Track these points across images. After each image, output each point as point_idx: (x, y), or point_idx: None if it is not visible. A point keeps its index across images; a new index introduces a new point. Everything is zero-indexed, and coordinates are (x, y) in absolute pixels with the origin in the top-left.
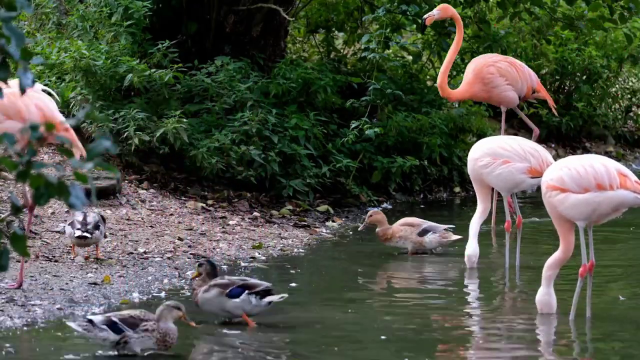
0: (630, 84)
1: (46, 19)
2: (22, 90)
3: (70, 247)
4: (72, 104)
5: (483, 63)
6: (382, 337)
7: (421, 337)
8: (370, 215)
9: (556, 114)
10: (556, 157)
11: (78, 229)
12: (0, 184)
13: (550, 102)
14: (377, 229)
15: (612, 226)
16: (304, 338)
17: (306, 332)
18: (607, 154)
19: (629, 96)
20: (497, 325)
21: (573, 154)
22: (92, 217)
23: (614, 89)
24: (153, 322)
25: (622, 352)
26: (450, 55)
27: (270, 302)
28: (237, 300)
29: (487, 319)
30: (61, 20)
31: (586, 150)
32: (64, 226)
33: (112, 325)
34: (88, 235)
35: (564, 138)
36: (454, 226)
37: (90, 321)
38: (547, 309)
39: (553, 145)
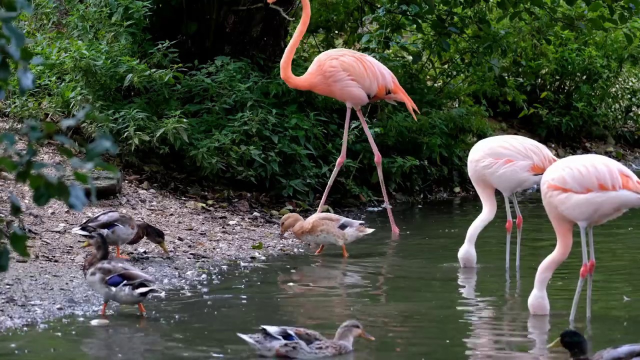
0: (630, 84)
1: (46, 19)
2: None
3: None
4: (72, 104)
5: (327, 56)
6: (379, 337)
7: (421, 337)
8: (282, 223)
9: (415, 118)
10: (556, 157)
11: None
12: (0, 184)
13: (409, 105)
14: (293, 228)
15: (612, 226)
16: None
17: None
18: (607, 154)
19: (629, 96)
20: (497, 325)
21: (573, 154)
22: (107, 217)
23: (614, 89)
24: (326, 342)
25: None
26: (296, 37)
27: (142, 294)
28: (114, 289)
29: (487, 319)
30: (61, 20)
31: (586, 150)
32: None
33: (287, 336)
34: (87, 232)
35: (564, 138)
36: (362, 222)
37: (264, 330)
38: (540, 311)
39: (553, 145)
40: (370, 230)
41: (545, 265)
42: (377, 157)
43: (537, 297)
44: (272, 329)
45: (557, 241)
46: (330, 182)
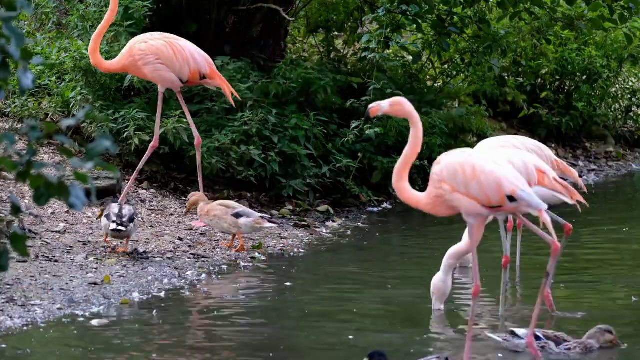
0: (630, 84)
1: (46, 19)
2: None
3: (104, 237)
4: (72, 104)
5: (138, 39)
6: (378, 337)
7: (420, 337)
8: (189, 199)
9: (233, 103)
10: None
11: (113, 222)
12: (0, 184)
13: (227, 92)
14: (199, 206)
15: (610, 227)
16: (301, 336)
17: (305, 330)
18: (607, 154)
19: (629, 96)
20: (497, 325)
21: (573, 154)
22: (127, 210)
23: (614, 89)
24: (575, 343)
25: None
26: (103, 24)
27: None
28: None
29: (488, 318)
30: (61, 20)
31: (586, 150)
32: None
33: (535, 337)
34: (123, 228)
35: (564, 138)
36: (270, 216)
37: (512, 332)
38: (439, 295)
39: (553, 145)
40: (268, 225)
41: (452, 254)
42: (197, 140)
43: (441, 281)
44: (520, 331)
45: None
46: (140, 166)
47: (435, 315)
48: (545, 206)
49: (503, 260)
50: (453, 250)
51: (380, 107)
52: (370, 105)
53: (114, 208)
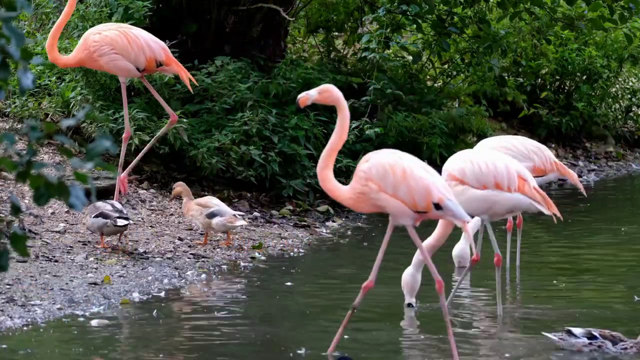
0: (630, 84)
1: (46, 19)
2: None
3: (100, 240)
4: (72, 104)
5: (91, 32)
6: (378, 338)
7: (420, 337)
8: (174, 188)
9: (191, 89)
10: (556, 157)
11: (118, 217)
12: (0, 184)
13: (184, 77)
14: (183, 201)
15: (610, 227)
16: (302, 336)
17: (305, 330)
18: (607, 154)
19: (629, 96)
20: (497, 324)
21: (573, 154)
22: (119, 205)
23: (614, 89)
24: (631, 343)
25: None
26: (62, 18)
27: None
28: None
29: (488, 318)
30: None
31: (586, 150)
32: (89, 218)
33: (591, 337)
34: (127, 221)
35: (564, 138)
36: (243, 213)
37: (569, 331)
38: (409, 289)
39: (553, 145)
40: (240, 222)
41: (424, 249)
42: (127, 134)
43: (411, 275)
44: (577, 330)
45: (438, 227)
46: (121, 160)
47: (440, 315)
48: (469, 219)
49: (495, 259)
50: (424, 245)
51: (310, 95)
52: (300, 95)
53: (106, 206)
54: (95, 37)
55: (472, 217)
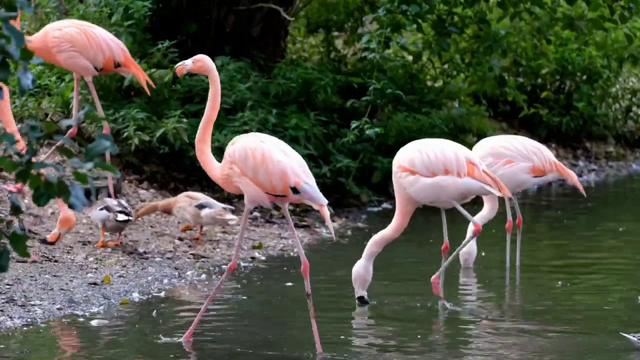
0: (631, 84)
1: (46, 19)
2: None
3: (100, 235)
4: (72, 104)
5: (52, 27)
6: (378, 338)
7: (420, 337)
8: (142, 207)
9: (148, 91)
10: (556, 157)
11: (120, 212)
12: (0, 184)
13: (142, 80)
14: (165, 201)
15: (610, 226)
16: (302, 336)
17: (305, 330)
18: (607, 154)
19: (629, 96)
20: (497, 324)
21: (573, 154)
22: (126, 204)
23: (614, 89)
24: None
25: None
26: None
27: None
28: None
29: (488, 318)
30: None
31: (586, 150)
32: (94, 210)
33: None
34: (130, 217)
35: (564, 138)
36: (233, 208)
37: None
38: (360, 281)
39: (553, 145)
40: (230, 217)
41: (376, 240)
42: (74, 129)
43: (362, 268)
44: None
45: (395, 219)
46: None
47: (439, 315)
48: (326, 201)
49: (442, 246)
50: (377, 236)
51: (185, 65)
52: (176, 65)
53: (111, 201)
54: (55, 33)
55: (426, 204)
